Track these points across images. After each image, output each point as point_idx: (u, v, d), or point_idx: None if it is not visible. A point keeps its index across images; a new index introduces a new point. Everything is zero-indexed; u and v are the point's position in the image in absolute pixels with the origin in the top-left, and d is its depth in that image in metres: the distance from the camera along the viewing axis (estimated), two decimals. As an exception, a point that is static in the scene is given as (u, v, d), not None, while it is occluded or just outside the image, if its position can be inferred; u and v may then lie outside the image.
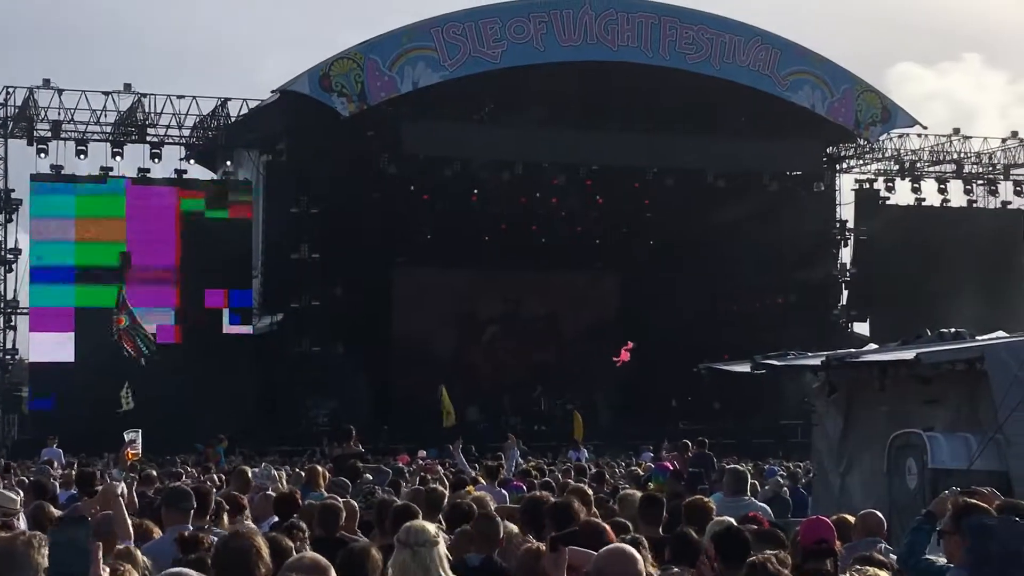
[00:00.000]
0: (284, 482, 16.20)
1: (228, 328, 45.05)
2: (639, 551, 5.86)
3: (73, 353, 42.39)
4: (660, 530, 9.78)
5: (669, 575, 6.30)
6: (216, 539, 7.95)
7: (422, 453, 29.06)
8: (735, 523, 8.40)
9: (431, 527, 6.99)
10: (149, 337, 33.54)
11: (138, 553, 7.56)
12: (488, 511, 9.18)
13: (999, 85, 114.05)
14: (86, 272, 42.98)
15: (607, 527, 7.95)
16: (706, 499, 10.46)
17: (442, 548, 6.84)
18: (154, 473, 18.19)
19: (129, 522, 8.87)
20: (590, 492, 11.17)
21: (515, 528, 8.63)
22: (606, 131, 46.53)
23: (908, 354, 15.40)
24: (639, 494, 11.98)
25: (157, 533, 9.29)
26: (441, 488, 12.76)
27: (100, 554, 5.53)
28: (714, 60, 46.83)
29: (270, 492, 12.94)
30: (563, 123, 46.07)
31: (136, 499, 11.26)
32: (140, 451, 15.19)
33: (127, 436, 12.95)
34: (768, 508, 13.24)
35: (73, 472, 18.97)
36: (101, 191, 44.59)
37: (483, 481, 16.29)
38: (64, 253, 43.37)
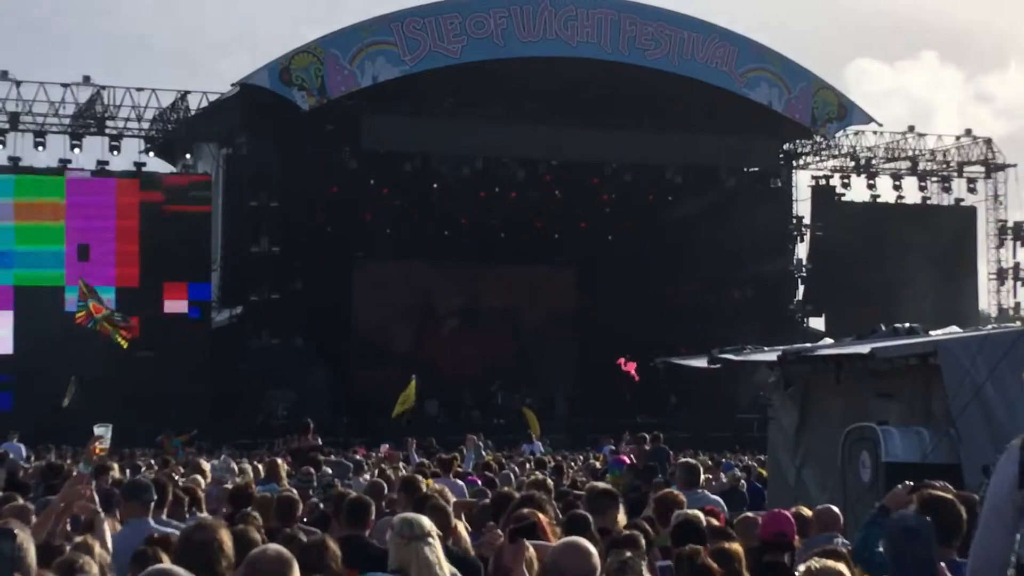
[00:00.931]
0: (250, 474, 16.18)
1: (187, 321, 44.81)
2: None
3: (12, 345, 42.15)
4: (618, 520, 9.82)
5: (620, 560, 6.30)
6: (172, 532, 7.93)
7: (384, 446, 28.99)
8: (699, 515, 8.47)
9: (427, 520, 6.98)
10: (124, 322, 33.18)
11: (96, 544, 7.51)
12: (438, 502, 9.20)
13: (956, 82, 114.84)
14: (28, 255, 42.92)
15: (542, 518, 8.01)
16: (676, 492, 10.50)
17: (438, 543, 6.83)
18: (114, 465, 18.08)
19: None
20: (551, 483, 11.22)
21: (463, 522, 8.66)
22: (565, 126, 46.55)
23: (863, 349, 15.49)
24: (602, 485, 12.05)
25: (117, 526, 9.25)
26: (418, 476, 12.80)
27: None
28: (673, 57, 46.97)
29: (228, 485, 12.90)
30: (523, 118, 46.13)
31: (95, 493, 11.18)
32: (108, 446, 15.03)
33: (96, 430, 12.82)
34: (722, 502, 13.29)
35: (40, 465, 18.86)
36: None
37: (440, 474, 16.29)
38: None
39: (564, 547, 5.52)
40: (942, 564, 2.69)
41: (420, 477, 12.67)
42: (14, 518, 8.49)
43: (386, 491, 12.08)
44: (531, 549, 6.55)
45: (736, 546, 6.82)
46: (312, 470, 15.87)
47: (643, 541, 7.61)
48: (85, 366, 36.60)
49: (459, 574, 7.00)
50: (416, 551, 6.57)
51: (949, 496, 6.57)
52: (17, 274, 42.67)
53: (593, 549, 5.53)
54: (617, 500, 10.04)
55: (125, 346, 34.27)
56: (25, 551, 4.60)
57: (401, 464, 21.18)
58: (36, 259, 42.79)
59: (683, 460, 16.02)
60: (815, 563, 5.51)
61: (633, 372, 34.40)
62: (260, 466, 17.78)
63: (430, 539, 6.67)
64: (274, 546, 5.72)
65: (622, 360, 34.68)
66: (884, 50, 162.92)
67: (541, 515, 8.27)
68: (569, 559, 5.39)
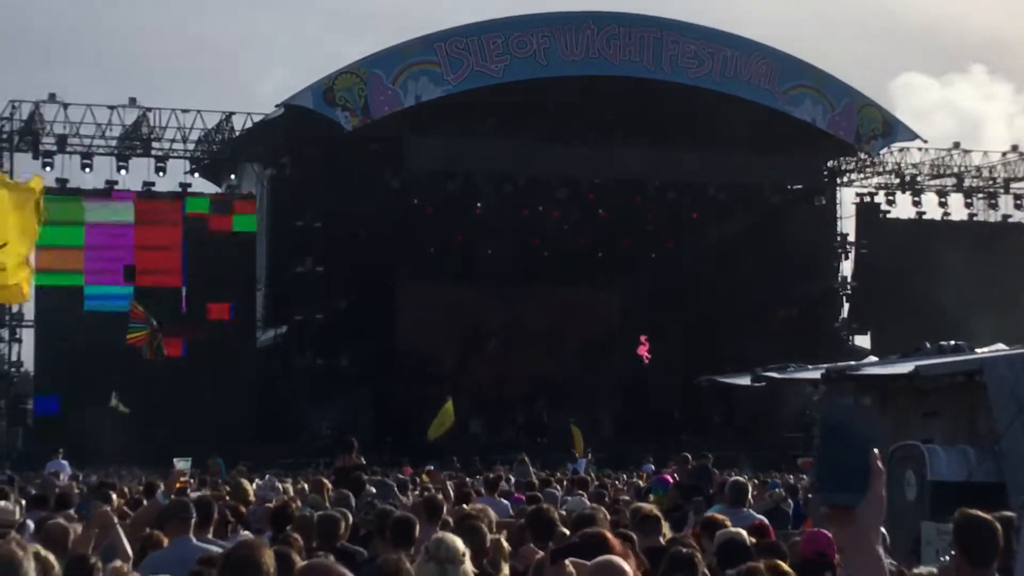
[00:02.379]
0: (292, 493, 16.19)
1: (232, 341, 45.06)
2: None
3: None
4: (661, 540, 9.80)
5: None
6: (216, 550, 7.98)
7: (429, 467, 29.00)
8: (742, 532, 8.45)
9: (460, 544, 6.96)
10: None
11: (131, 572, 7.55)
12: (473, 523, 9.20)
13: (1006, 96, 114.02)
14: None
15: (609, 537, 7.97)
16: (718, 516, 10.45)
17: (468, 565, 6.82)
18: (160, 484, 18.14)
19: (126, 543, 8.87)
20: (605, 513, 11.14)
21: (503, 541, 8.64)
22: (608, 145, 46.62)
23: (907, 367, 15.43)
24: (649, 507, 12.03)
25: (166, 542, 9.30)
26: (441, 497, 12.76)
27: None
28: (715, 74, 46.95)
29: (271, 504, 12.93)
30: (565, 137, 46.12)
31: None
32: (188, 479, 15.21)
33: (178, 464, 12.94)
34: (766, 520, 13.24)
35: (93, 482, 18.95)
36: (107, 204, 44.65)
37: (484, 493, 16.30)
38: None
39: (597, 566, 5.53)
40: (877, 456, 2.72)
41: (441, 497, 12.67)
42: (50, 537, 8.59)
43: (441, 509, 12.02)
44: (570, 567, 6.56)
45: (784, 565, 6.80)
46: (350, 492, 15.85)
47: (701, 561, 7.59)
48: (130, 383, 36.93)
49: None
50: (433, 571, 6.58)
51: (986, 516, 6.53)
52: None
53: (628, 567, 5.53)
54: (660, 522, 10.02)
55: (167, 355, 34.25)
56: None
57: (444, 480, 21.12)
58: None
59: (733, 479, 15.95)
60: None
61: (645, 353, 34.12)
62: (306, 485, 17.79)
63: (451, 564, 6.66)
64: (323, 560, 5.75)
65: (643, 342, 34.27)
66: (932, 64, 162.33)
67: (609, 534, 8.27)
68: (599, 571, 5.41)
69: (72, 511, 13.03)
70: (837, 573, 7.74)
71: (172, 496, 13.27)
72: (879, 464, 2.72)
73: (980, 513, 6.57)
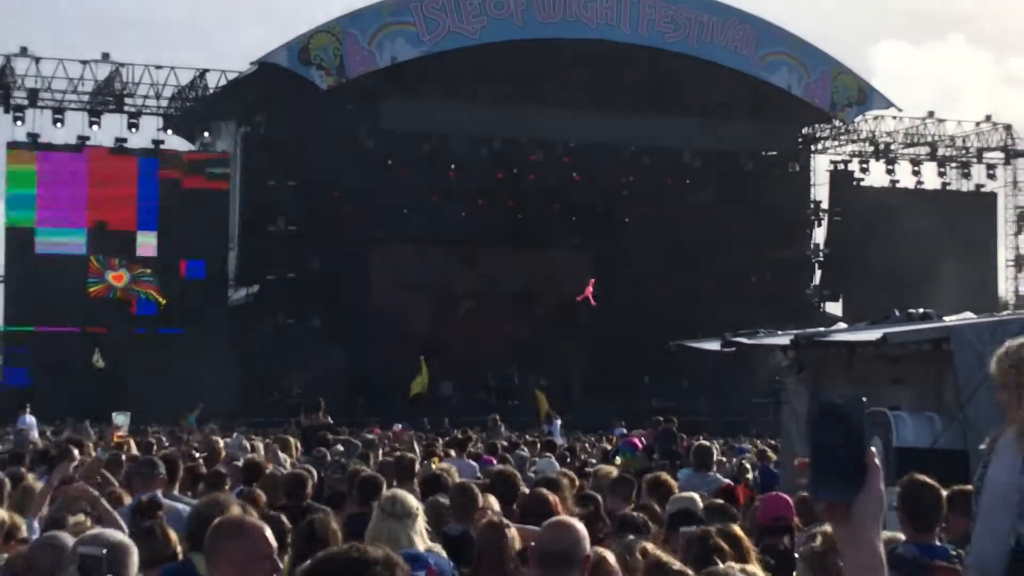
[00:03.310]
0: (261, 452, 16.20)
1: (204, 298, 45.01)
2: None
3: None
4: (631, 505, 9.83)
5: (625, 543, 6.32)
6: (183, 507, 7.98)
7: (397, 427, 29.01)
8: (697, 498, 8.48)
9: (413, 500, 7.00)
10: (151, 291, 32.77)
11: (87, 522, 7.55)
12: (466, 483, 9.21)
13: (983, 66, 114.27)
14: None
15: (551, 498, 8.02)
16: (666, 476, 10.48)
17: (422, 520, 6.85)
18: (131, 442, 18.14)
19: (107, 506, 8.88)
20: (572, 477, 11.14)
21: (494, 501, 8.63)
22: (584, 108, 46.53)
23: (875, 334, 15.46)
24: (610, 469, 12.08)
25: (128, 500, 9.32)
26: (411, 456, 12.82)
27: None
28: (692, 39, 46.94)
29: (239, 462, 12.96)
30: (541, 100, 46.05)
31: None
32: (126, 433, 15.22)
33: (116, 419, 13.04)
34: (734, 485, 13.31)
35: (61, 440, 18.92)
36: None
37: (452, 453, 16.34)
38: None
39: (548, 525, 5.55)
40: (874, 452, 2.65)
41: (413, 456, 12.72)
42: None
43: (412, 467, 12.05)
44: (513, 530, 6.58)
45: (736, 528, 6.82)
46: (325, 450, 15.92)
47: (649, 522, 7.63)
48: (105, 343, 36.83)
49: (441, 552, 6.97)
50: (388, 528, 6.62)
51: (931, 482, 6.63)
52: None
53: (579, 527, 5.53)
54: (632, 485, 10.05)
55: (163, 303, 33.87)
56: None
57: (410, 439, 21.15)
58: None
59: (698, 443, 16.01)
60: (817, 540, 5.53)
61: (590, 295, 34.09)
62: (273, 443, 17.80)
63: (408, 519, 6.69)
64: (250, 518, 5.70)
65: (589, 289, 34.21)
66: (910, 32, 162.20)
67: (553, 495, 8.29)
68: (549, 534, 5.42)
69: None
70: (797, 537, 7.79)
71: (109, 450, 13.30)
72: (876, 459, 2.65)
73: (926, 479, 6.65)
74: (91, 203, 44.01)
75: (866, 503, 2.60)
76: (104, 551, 4.20)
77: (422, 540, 6.68)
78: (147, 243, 44.41)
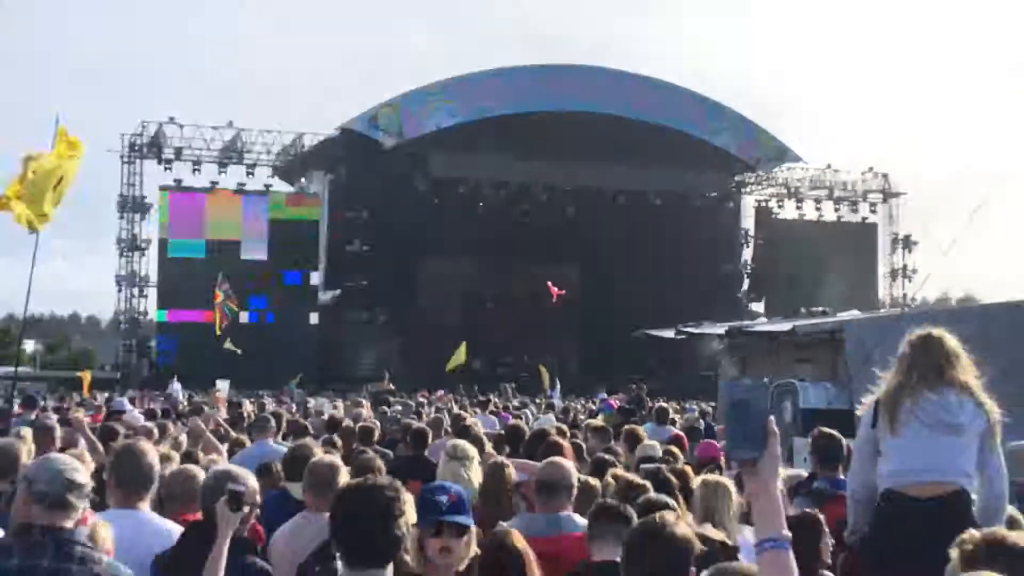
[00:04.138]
0: (341, 410, 16.23)
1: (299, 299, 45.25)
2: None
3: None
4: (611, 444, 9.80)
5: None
6: (284, 450, 8.02)
7: (439, 392, 29.06)
8: (656, 445, 8.48)
9: (471, 448, 6.93)
10: (230, 313, 32.32)
11: (219, 460, 7.56)
12: (476, 432, 9.21)
13: (869, 129, 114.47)
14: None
15: (565, 445, 8.01)
16: (638, 427, 10.48)
17: (476, 461, 6.75)
18: (247, 403, 18.21)
19: (214, 440, 8.96)
20: (565, 430, 11.13)
21: (491, 449, 8.60)
22: (577, 161, 46.45)
23: (787, 326, 15.47)
24: (594, 422, 12.09)
25: (248, 444, 9.34)
26: (444, 416, 12.81)
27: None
28: (657, 112, 46.86)
29: (325, 416, 12.98)
30: (545, 155, 45.95)
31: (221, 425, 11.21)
32: (226, 396, 15.15)
33: (217, 385, 13.13)
34: (684, 435, 13.28)
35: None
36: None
37: (478, 411, 16.36)
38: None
39: (548, 463, 5.55)
40: (772, 419, 2.67)
41: (444, 416, 12.72)
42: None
43: (443, 424, 12.05)
44: (511, 469, 6.53)
45: (685, 467, 6.83)
46: (387, 409, 15.95)
47: (616, 461, 7.63)
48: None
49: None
50: (453, 468, 6.58)
51: (834, 432, 6.66)
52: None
53: (568, 464, 5.55)
54: (609, 434, 10.04)
55: (237, 309, 33.41)
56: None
57: (449, 402, 21.18)
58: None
59: (658, 405, 16.00)
60: (709, 476, 5.50)
61: (554, 293, 33.86)
62: (349, 404, 17.85)
63: (466, 460, 6.65)
64: (328, 457, 5.75)
65: (552, 288, 34.03)
66: (823, 96, 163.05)
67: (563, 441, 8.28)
68: (547, 469, 5.44)
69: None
70: (725, 474, 7.79)
71: (217, 407, 13.33)
72: (774, 428, 2.69)
73: (831, 431, 6.65)
74: (211, 229, 44.13)
75: (768, 460, 2.64)
76: (244, 488, 4.31)
77: (477, 476, 6.58)
78: (259, 257, 44.53)
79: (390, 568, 3.24)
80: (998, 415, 5.10)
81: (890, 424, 5.09)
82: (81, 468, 3.78)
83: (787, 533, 2.65)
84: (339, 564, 3.26)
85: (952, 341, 5.25)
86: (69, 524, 3.60)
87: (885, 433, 5.11)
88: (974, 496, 4.97)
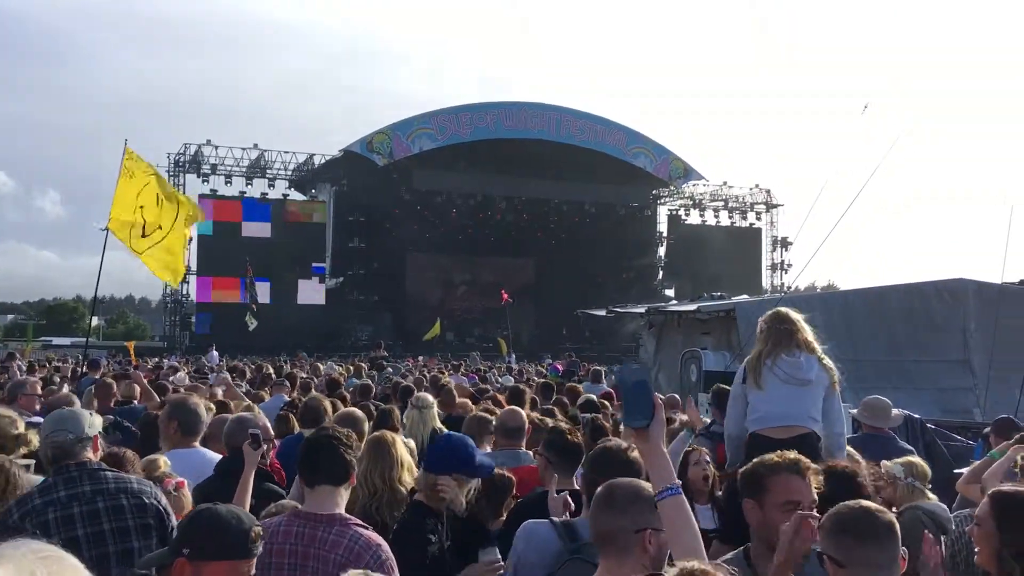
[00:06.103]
0: (343, 372, 16.06)
1: (313, 285, 44.79)
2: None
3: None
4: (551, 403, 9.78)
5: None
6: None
7: (421, 358, 28.95)
8: (593, 398, 8.47)
9: (431, 398, 6.94)
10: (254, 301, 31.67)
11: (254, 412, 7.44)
12: (450, 387, 9.19)
13: (756, 151, 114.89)
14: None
15: (528, 394, 7.98)
16: (579, 386, 10.49)
17: (435, 410, 6.80)
18: (266, 366, 18.04)
19: (240, 393, 8.84)
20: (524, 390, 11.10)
21: (469, 402, 8.58)
22: (529, 178, 46.40)
23: (693, 307, 15.52)
24: (542, 380, 12.05)
25: (267, 398, 9.23)
26: (425, 375, 12.70)
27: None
28: (592, 139, 46.94)
29: (332, 376, 12.84)
30: (505, 172, 45.87)
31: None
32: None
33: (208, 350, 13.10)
34: (613, 392, 13.31)
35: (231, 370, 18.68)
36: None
37: (451, 373, 16.29)
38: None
39: (505, 411, 5.56)
40: (657, 395, 2.61)
41: (441, 375, 12.65)
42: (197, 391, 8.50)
43: (424, 383, 11.97)
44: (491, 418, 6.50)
45: (615, 415, 6.82)
46: (381, 370, 15.81)
47: (560, 412, 7.63)
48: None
49: (446, 430, 6.94)
50: (415, 415, 6.53)
51: (728, 387, 6.70)
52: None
53: (522, 412, 5.55)
54: (553, 390, 10.04)
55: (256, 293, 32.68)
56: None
57: (433, 365, 21.04)
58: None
59: (593, 368, 16.04)
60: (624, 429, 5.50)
61: (504, 297, 33.91)
62: (351, 367, 17.73)
63: (427, 409, 6.59)
64: (349, 409, 5.71)
65: (504, 294, 34.10)
66: (716, 124, 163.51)
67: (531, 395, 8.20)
68: (506, 415, 5.45)
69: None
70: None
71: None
72: (660, 401, 2.62)
73: (726, 387, 6.68)
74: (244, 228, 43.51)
75: (656, 426, 2.57)
76: (259, 431, 4.29)
77: (434, 421, 6.54)
78: (275, 251, 43.96)
79: (343, 488, 3.23)
80: (836, 372, 5.15)
81: (755, 381, 5.12)
82: (74, 416, 3.64)
83: (677, 481, 2.56)
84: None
85: (796, 314, 5.33)
86: (93, 456, 3.56)
87: (751, 388, 5.14)
88: (820, 435, 5.02)
